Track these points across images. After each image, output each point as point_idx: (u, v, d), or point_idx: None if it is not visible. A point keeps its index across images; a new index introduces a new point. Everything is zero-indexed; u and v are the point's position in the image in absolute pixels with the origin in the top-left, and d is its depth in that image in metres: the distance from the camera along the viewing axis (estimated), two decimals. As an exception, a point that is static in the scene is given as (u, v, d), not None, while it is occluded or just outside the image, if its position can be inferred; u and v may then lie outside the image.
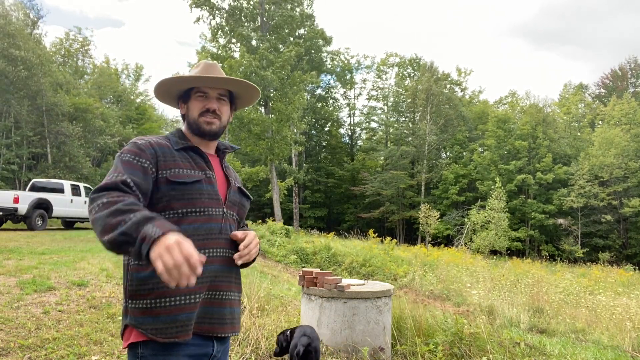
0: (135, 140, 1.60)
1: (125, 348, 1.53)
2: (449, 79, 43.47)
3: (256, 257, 1.75)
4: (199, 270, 1.19)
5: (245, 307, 4.76)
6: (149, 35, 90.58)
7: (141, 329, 1.46)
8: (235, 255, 1.59)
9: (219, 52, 27.08)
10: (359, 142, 48.93)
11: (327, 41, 38.87)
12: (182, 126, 1.78)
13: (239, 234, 1.64)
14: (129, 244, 1.22)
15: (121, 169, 1.47)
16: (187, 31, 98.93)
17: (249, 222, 18.78)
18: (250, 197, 1.85)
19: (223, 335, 1.61)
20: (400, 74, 47.34)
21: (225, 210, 1.64)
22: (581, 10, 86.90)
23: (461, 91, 45.92)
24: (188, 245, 1.19)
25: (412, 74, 46.63)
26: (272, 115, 26.33)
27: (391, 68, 47.69)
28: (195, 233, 1.53)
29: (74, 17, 77.61)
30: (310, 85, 39.21)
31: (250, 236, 1.65)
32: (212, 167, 1.68)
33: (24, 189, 20.38)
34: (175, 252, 1.16)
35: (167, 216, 1.52)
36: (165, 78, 1.70)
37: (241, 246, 1.62)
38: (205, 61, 1.76)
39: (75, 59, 38.64)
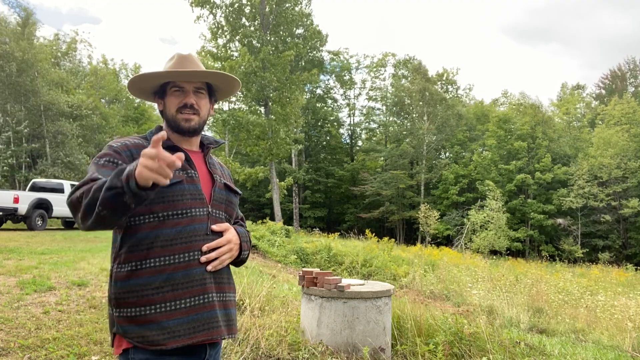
0: (111, 143, 1.56)
1: (117, 355, 1.51)
2: (443, 79, 43.41)
3: (246, 255, 1.69)
4: (178, 160, 1.22)
5: (245, 307, 4.76)
6: (129, 33, 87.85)
7: (128, 337, 1.45)
8: (202, 258, 1.51)
9: (219, 52, 27.03)
10: (359, 142, 48.94)
11: (322, 40, 38.72)
12: (163, 123, 1.70)
13: (214, 227, 1.56)
14: (119, 194, 1.24)
15: (95, 170, 1.43)
16: (170, 28, 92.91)
17: (248, 223, 18.83)
18: (239, 192, 1.77)
19: (216, 339, 1.56)
20: (397, 75, 47.36)
21: (210, 209, 1.58)
22: (563, 9, 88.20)
23: (455, 90, 45.89)
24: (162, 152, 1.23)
25: (407, 75, 46.66)
26: (272, 116, 26.30)
27: (388, 68, 47.84)
28: (179, 236, 1.48)
29: (47, 13, 74.25)
30: (309, 85, 39.08)
31: (223, 239, 1.57)
32: (195, 165, 1.61)
33: (24, 189, 20.38)
34: (152, 159, 1.20)
35: (148, 220, 1.48)
36: (138, 74, 1.63)
37: (205, 247, 1.52)
38: (180, 53, 1.66)
39: (71, 59, 38.40)
